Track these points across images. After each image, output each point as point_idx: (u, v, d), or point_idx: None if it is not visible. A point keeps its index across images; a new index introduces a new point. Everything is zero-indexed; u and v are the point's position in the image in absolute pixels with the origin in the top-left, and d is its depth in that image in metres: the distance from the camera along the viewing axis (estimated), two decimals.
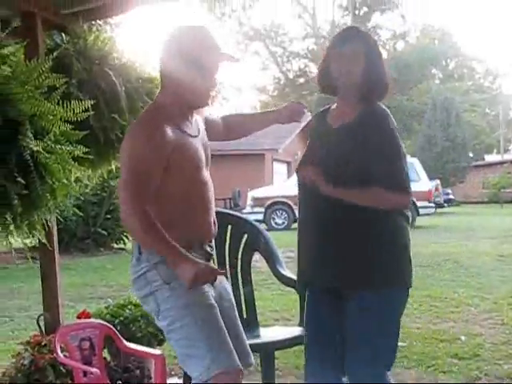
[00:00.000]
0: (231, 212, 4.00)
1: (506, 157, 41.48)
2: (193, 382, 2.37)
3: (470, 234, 13.86)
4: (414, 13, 78.53)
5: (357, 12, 47.84)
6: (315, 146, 2.63)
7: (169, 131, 2.34)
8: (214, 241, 2.62)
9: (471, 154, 38.14)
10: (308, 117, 2.83)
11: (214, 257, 2.71)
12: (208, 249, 2.54)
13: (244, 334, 2.63)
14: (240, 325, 2.64)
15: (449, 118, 35.79)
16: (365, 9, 47.84)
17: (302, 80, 49.20)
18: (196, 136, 2.50)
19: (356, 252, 2.46)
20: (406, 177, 2.49)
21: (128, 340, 3.63)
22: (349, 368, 2.52)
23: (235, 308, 2.69)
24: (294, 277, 3.68)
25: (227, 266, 3.56)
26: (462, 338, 5.24)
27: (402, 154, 2.50)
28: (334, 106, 2.66)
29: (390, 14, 49.19)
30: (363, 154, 2.43)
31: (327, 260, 2.49)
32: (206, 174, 2.53)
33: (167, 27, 2.50)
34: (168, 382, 3.61)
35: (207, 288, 2.44)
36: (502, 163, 36.13)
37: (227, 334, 2.39)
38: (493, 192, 32.79)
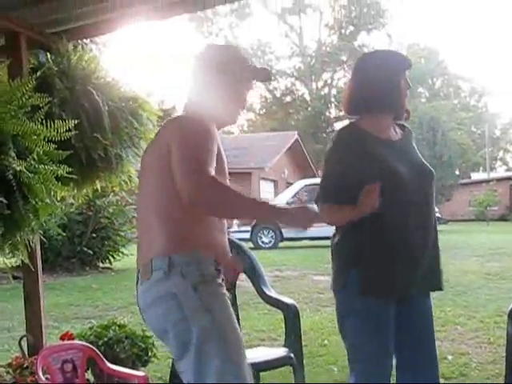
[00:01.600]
0: None
1: (492, 175, 41.83)
2: None
3: (457, 252, 13.86)
4: (401, 32, 79.35)
5: (343, 31, 48.20)
6: (382, 157, 2.56)
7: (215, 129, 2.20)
8: None
9: (458, 172, 38.34)
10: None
11: None
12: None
13: None
14: None
15: (435, 137, 36.01)
16: (351, 28, 48.15)
17: (288, 98, 49.39)
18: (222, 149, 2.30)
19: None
20: None
21: (112, 361, 3.59)
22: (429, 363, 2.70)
23: None
24: (279, 297, 3.69)
25: None
26: (449, 357, 5.22)
27: None
28: (361, 123, 2.63)
29: (377, 32, 49.48)
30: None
31: (435, 265, 2.62)
32: None
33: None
34: None
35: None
36: (487, 181, 36.35)
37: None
38: (479, 210, 32.96)
